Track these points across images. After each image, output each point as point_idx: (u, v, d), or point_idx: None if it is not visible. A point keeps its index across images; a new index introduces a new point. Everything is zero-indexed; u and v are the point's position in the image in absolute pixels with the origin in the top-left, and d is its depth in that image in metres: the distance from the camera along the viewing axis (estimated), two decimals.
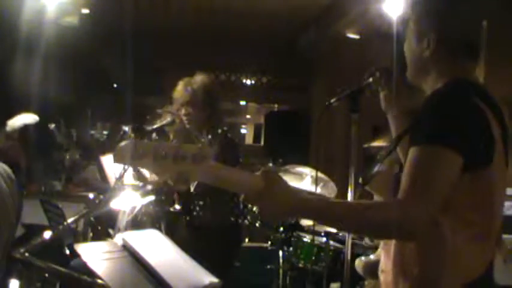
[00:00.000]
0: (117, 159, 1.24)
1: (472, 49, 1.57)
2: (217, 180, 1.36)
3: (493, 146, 1.43)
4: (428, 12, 1.59)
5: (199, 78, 3.40)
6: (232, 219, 3.29)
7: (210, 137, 3.34)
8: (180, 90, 3.38)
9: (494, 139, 1.43)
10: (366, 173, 1.73)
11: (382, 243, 1.68)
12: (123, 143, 1.24)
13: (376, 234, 1.59)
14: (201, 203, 3.26)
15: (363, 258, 2.76)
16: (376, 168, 1.69)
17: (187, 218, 3.30)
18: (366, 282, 3.11)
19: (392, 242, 1.54)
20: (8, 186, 2.53)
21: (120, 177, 2.90)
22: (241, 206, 3.40)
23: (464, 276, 1.44)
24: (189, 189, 3.25)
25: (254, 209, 4.02)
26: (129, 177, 3.38)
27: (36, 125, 4.09)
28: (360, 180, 1.75)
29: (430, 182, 1.37)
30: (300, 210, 1.45)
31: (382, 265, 1.63)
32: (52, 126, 6.56)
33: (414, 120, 1.52)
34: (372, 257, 2.73)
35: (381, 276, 1.63)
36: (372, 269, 2.60)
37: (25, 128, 2.79)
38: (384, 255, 1.62)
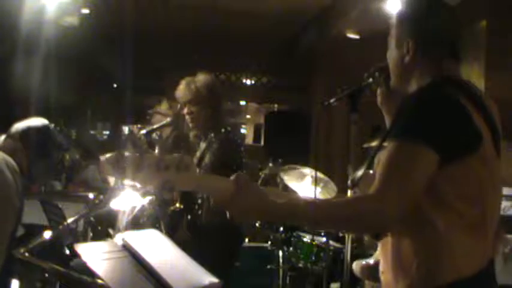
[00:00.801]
0: (103, 171, 1.29)
1: (451, 49, 1.61)
2: (196, 187, 1.40)
3: (476, 137, 1.45)
4: (404, 18, 1.65)
5: (202, 77, 3.40)
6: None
7: (212, 135, 3.34)
8: (183, 88, 3.38)
9: (478, 130, 1.45)
10: (355, 175, 1.75)
11: (380, 245, 1.68)
12: (106, 156, 1.28)
13: (349, 228, 1.62)
14: (199, 202, 3.26)
15: (363, 261, 2.75)
16: (363, 170, 1.70)
17: (189, 217, 3.30)
18: (366, 282, 3.11)
19: (389, 243, 1.55)
20: (13, 177, 2.55)
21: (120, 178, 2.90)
22: None
23: (463, 269, 1.46)
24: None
25: None
26: None
27: (38, 127, 4.08)
28: (349, 182, 1.78)
29: (401, 176, 1.40)
30: (269, 212, 1.47)
31: (381, 266, 1.64)
32: (52, 126, 6.55)
33: (394, 118, 1.55)
34: (369, 260, 2.73)
35: (382, 277, 1.63)
36: (371, 272, 2.60)
37: (28, 130, 2.80)
38: (382, 256, 1.63)
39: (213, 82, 3.44)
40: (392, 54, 1.68)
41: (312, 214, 1.46)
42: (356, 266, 2.75)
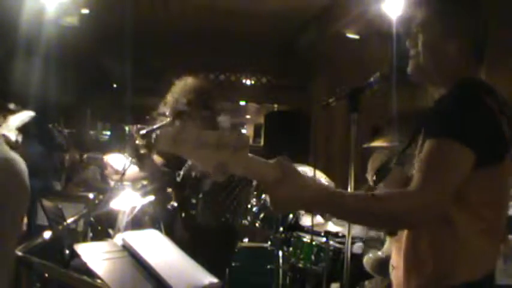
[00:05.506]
0: (158, 146, 1.24)
1: (480, 51, 1.61)
2: (245, 170, 1.34)
3: (504, 144, 1.47)
4: (447, 16, 1.61)
5: (189, 82, 3.35)
6: (228, 217, 3.27)
7: None
8: (171, 95, 3.34)
9: (506, 138, 1.47)
10: (382, 169, 1.73)
11: (393, 239, 1.68)
12: (164, 130, 1.23)
13: (388, 224, 1.59)
14: (193, 201, 3.24)
15: (371, 255, 2.74)
16: (392, 165, 1.69)
17: (183, 216, 3.29)
18: (366, 282, 3.11)
19: (404, 238, 1.55)
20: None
21: (123, 175, 2.92)
22: (235, 204, 3.36)
23: (476, 271, 1.48)
24: (185, 188, 3.25)
25: (254, 209, 4.02)
26: None
27: (36, 125, 4.08)
28: (374, 176, 1.76)
29: (442, 174, 1.41)
30: (312, 203, 1.43)
31: (393, 261, 1.64)
32: (52, 126, 6.56)
33: (427, 116, 1.54)
34: (379, 253, 2.73)
35: (392, 272, 1.64)
36: (381, 266, 2.60)
37: (24, 127, 2.79)
38: (396, 251, 1.63)
39: (200, 86, 3.37)
40: (428, 53, 1.62)
41: (352, 206, 1.42)
42: (366, 259, 2.75)
